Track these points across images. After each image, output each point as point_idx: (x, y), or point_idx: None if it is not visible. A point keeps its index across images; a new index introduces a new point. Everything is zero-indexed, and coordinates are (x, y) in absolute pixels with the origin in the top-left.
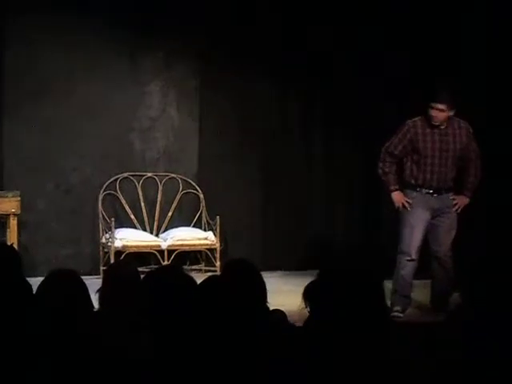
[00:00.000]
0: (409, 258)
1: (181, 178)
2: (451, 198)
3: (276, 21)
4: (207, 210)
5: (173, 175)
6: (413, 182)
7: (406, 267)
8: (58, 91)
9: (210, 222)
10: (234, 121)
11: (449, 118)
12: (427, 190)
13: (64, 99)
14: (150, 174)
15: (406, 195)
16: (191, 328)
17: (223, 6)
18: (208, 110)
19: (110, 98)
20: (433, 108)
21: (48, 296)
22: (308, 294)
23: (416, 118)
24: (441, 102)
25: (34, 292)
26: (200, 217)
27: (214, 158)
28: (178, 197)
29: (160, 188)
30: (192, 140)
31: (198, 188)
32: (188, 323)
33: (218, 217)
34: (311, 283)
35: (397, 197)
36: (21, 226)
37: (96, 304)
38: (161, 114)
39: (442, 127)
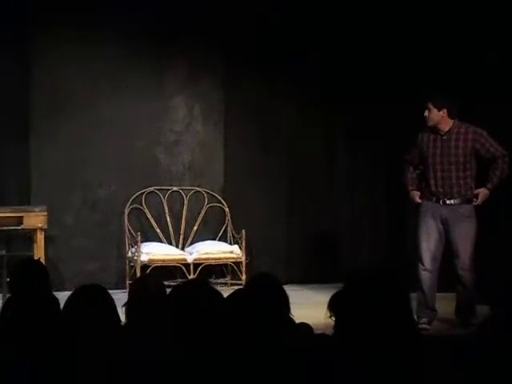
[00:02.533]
0: (423, 268)
1: (206, 192)
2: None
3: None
4: (233, 224)
5: (198, 189)
6: (424, 190)
7: (422, 277)
8: (83, 106)
9: (236, 235)
10: (259, 134)
11: (454, 123)
12: (435, 198)
13: (90, 114)
14: (175, 188)
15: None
16: (217, 342)
17: (248, 19)
18: (233, 124)
19: (135, 112)
20: (425, 108)
21: (75, 310)
22: (333, 305)
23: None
24: (428, 101)
25: (62, 306)
26: (225, 230)
27: (239, 172)
28: (203, 210)
29: (185, 202)
30: (217, 153)
31: (223, 201)
32: (214, 337)
33: (243, 230)
34: (336, 294)
35: (412, 196)
36: (48, 240)
37: (123, 318)
38: (186, 128)
39: (443, 133)
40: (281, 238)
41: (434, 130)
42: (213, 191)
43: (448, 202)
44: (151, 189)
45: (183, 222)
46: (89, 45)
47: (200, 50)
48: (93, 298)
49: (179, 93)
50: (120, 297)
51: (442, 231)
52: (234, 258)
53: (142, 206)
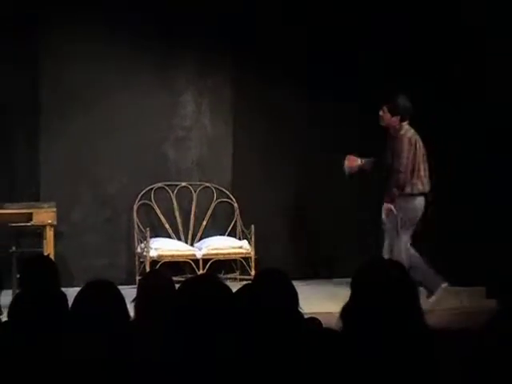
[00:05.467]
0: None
1: (215, 187)
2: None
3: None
4: (242, 219)
5: (207, 184)
6: None
7: None
8: (93, 103)
9: (245, 230)
10: (268, 130)
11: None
12: None
13: (98, 110)
14: (184, 184)
15: None
16: (227, 337)
17: (257, 15)
18: (242, 119)
19: (144, 108)
20: None
21: (84, 306)
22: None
23: None
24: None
25: (71, 303)
26: (234, 225)
27: (248, 167)
28: (212, 206)
29: (194, 197)
30: (226, 149)
31: (232, 197)
32: (224, 332)
33: (252, 225)
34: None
35: None
36: (57, 236)
37: (132, 314)
38: (194, 124)
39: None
40: (290, 233)
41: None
42: (222, 186)
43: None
44: (160, 184)
45: (192, 217)
46: (99, 43)
47: (209, 46)
48: (102, 293)
49: (188, 89)
50: (129, 292)
51: None
52: (243, 254)
53: (151, 201)
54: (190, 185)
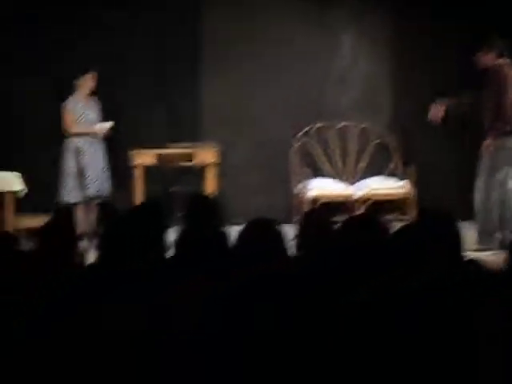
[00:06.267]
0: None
1: (374, 128)
2: None
3: None
4: (402, 159)
5: (366, 125)
6: None
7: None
8: (254, 42)
9: (405, 170)
10: (426, 70)
11: None
12: None
13: (259, 50)
14: (343, 124)
15: None
16: (389, 275)
17: None
18: (401, 60)
19: (302, 49)
20: None
21: (247, 243)
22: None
23: None
24: None
25: (232, 240)
26: (394, 166)
27: (407, 108)
28: (371, 146)
29: (353, 137)
30: (385, 89)
31: (391, 137)
32: (383, 271)
33: (412, 166)
34: None
35: None
36: (217, 176)
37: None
38: (354, 64)
39: None
40: (451, 172)
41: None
42: (381, 126)
43: None
44: (319, 125)
45: (351, 157)
46: None
47: None
48: (264, 230)
49: (347, 29)
50: (288, 230)
51: None
52: (402, 194)
53: (310, 141)
54: (349, 125)
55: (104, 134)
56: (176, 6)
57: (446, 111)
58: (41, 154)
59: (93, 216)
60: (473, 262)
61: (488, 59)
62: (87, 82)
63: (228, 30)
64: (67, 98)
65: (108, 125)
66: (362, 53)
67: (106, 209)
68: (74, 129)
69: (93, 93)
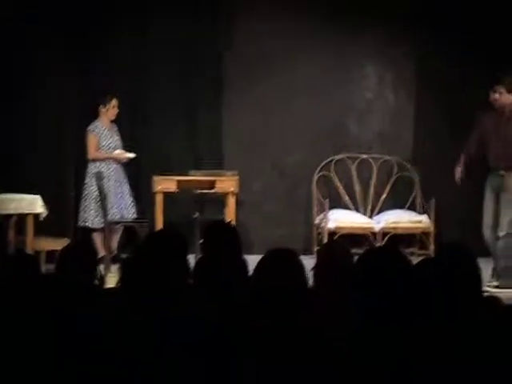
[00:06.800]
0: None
1: (396, 161)
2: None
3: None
4: (422, 193)
5: (387, 157)
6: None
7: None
8: (277, 70)
9: (425, 204)
10: (450, 106)
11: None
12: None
13: (283, 79)
14: (364, 156)
15: None
16: (402, 309)
17: None
18: (425, 94)
19: (327, 79)
20: (494, 91)
21: (267, 272)
22: None
23: None
24: (500, 84)
25: (252, 270)
26: (414, 199)
27: (429, 141)
28: (392, 179)
29: (374, 170)
30: (408, 123)
31: (412, 171)
32: (400, 304)
33: (433, 199)
34: None
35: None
36: (238, 204)
37: (310, 282)
38: (377, 96)
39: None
40: (472, 209)
41: (499, 111)
42: (402, 160)
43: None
44: (340, 156)
45: (372, 190)
46: (278, 21)
47: (395, 18)
48: (284, 261)
49: (371, 61)
50: (307, 262)
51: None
52: (422, 228)
53: (330, 172)
54: (371, 157)
55: (125, 161)
56: (198, 34)
57: (466, 167)
58: (62, 177)
59: (115, 240)
60: (492, 299)
61: (506, 98)
62: (111, 109)
63: (253, 59)
64: (91, 123)
65: (130, 155)
66: (387, 85)
67: (131, 234)
68: (97, 154)
69: (115, 119)
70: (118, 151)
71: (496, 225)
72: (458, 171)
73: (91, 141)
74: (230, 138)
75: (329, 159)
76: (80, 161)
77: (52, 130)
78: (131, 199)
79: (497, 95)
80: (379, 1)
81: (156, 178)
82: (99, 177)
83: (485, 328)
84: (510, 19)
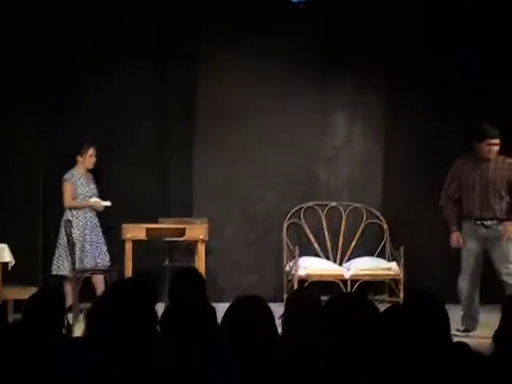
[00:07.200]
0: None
1: (365, 208)
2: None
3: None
4: (391, 240)
5: (357, 205)
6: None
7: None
8: (246, 121)
9: (394, 252)
10: (419, 153)
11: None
12: (474, 220)
13: (252, 128)
14: (334, 204)
15: None
16: (372, 355)
17: (412, 35)
18: (393, 142)
19: (294, 127)
20: (493, 145)
21: (235, 320)
22: None
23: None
24: (498, 137)
25: (221, 317)
26: (384, 247)
27: (398, 189)
28: (361, 226)
29: (344, 217)
30: (376, 170)
31: (382, 218)
32: (368, 351)
33: (402, 247)
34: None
35: (455, 237)
36: (208, 252)
37: (279, 330)
38: (346, 144)
39: (484, 162)
40: (440, 256)
41: (479, 159)
42: (371, 207)
43: (485, 223)
44: (310, 204)
45: (341, 237)
46: (256, 63)
47: (365, 66)
48: (252, 308)
49: (341, 108)
50: (277, 309)
51: (481, 250)
52: (392, 275)
53: (300, 220)
54: (340, 205)
55: (99, 209)
56: (171, 81)
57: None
58: (31, 226)
59: (100, 288)
60: (460, 345)
61: (499, 148)
62: (88, 158)
63: (223, 107)
64: (67, 171)
65: (106, 203)
66: (356, 133)
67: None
68: (73, 202)
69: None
70: (94, 199)
71: (477, 275)
72: (458, 238)
73: (67, 189)
74: (201, 185)
75: (298, 207)
76: (52, 209)
77: (20, 180)
78: (105, 247)
79: (497, 148)
80: (349, 50)
81: (125, 226)
82: (67, 225)
83: (452, 374)
84: (479, 71)
